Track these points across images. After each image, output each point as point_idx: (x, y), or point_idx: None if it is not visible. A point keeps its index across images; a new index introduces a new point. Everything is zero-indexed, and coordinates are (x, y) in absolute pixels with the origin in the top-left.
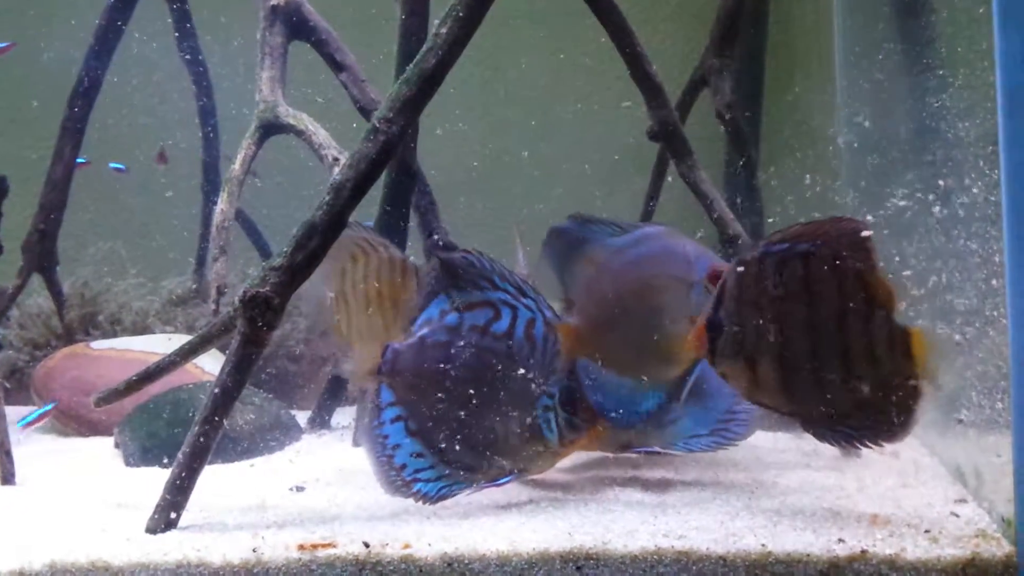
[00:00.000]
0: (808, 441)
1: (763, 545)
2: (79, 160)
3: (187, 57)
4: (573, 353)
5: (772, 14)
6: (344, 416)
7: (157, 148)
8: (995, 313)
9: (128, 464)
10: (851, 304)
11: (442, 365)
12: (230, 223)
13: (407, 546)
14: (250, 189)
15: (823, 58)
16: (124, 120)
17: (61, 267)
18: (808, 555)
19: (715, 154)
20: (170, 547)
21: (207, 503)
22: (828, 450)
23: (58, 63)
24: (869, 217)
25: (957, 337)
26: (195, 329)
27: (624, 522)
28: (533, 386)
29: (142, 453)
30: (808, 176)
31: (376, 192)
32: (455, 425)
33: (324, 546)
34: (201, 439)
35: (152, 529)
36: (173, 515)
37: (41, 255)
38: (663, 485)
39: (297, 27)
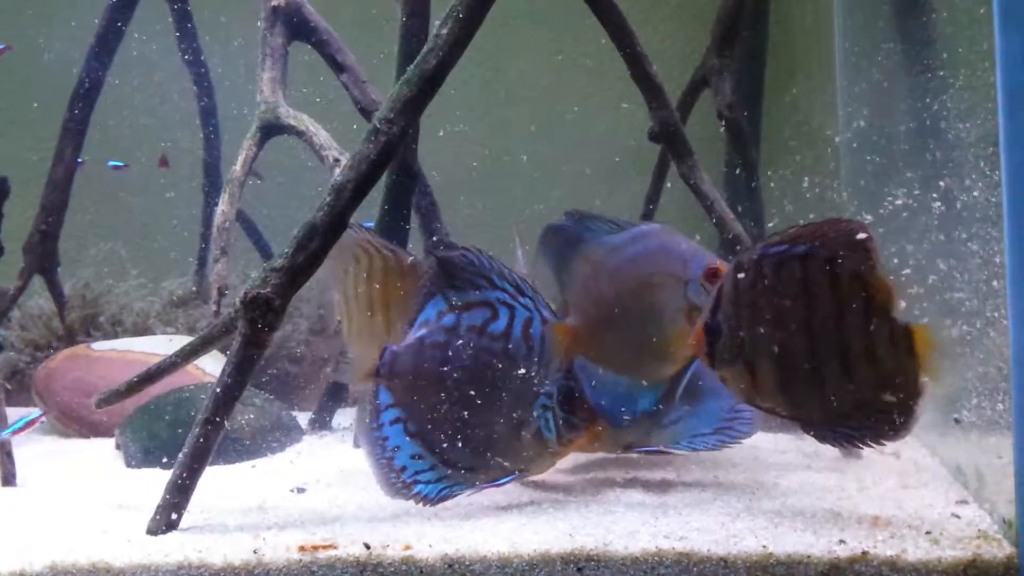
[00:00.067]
0: (809, 442)
1: (764, 546)
2: (78, 160)
3: (188, 58)
4: (570, 352)
5: (772, 14)
6: (345, 417)
7: (158, 155)
8: (996, 314)
9: (129, 465)
10: (850, 305)
11: (440, 366)
12: (231, 224)
13: (408, 547)
14: (251, 190)
15: (823, 58)
16: (125, 121)
17: (62, 268)
18: (809, 556)
19: (715, 155)
20: (171, 548)
21: (208, 504)
22: (829, 451)
23: (59, 64)
24: (868, 217)
25: (955, 333)
26: (196, 330)
27: (625, 523)
28: (531, 386)
29: (143, 454)
30: (808, 176)
31: (377, 193)
32: (454, 426)
33: (325, 547)
34: (202, 440)
35: (153, 530)
36: (174, 516)
37: (42, 256)
38: (664, 486)
39: (298, 28)
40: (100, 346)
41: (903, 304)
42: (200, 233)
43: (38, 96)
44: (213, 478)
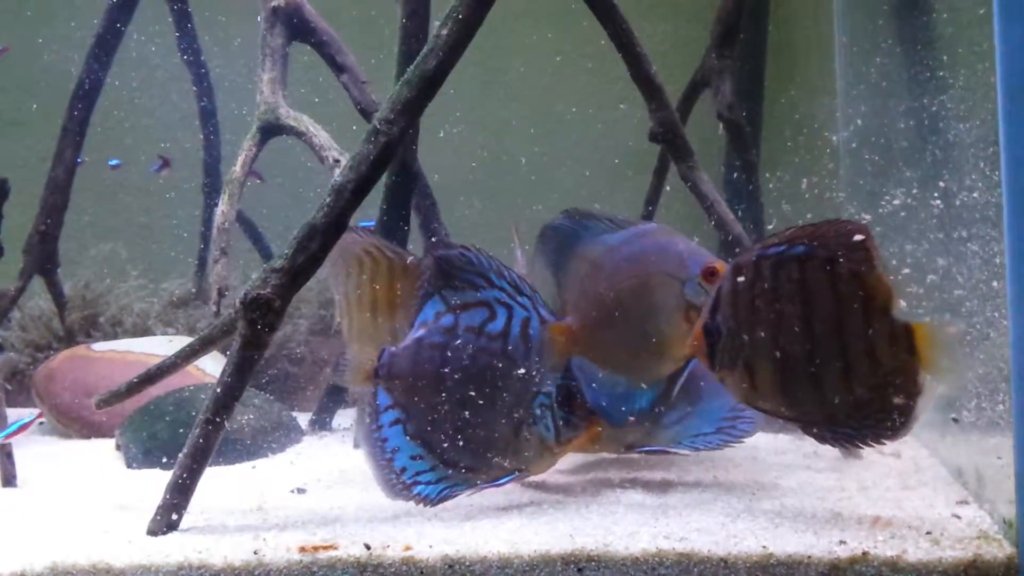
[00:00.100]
0: (809, 442)
1: (764, 547)
2: (78, 160)
3: (188, 58)
4: (567, 352)
5: (772, 14)
6: (345, 418)
7: (159, 161)
8: (996, 315)
9: (129, 466)
10: (849, 305)
11: (438, 367)
12: (231, 225)
13: (408, 548)
14: (251, 191)
15: (823, 58)
16: (126, 121)
17: (62, 269)
18: (809, 557)
19: (715, 155)
20: (171, 549)
21: (208, 505)
22: (829, 451)
23: (59, 65)
24: (867, 216)
25: (952, 330)
26: (196, 331)
27: (625, 524)
28: (530, 385)
29: (143, 455)
30: (808, 177)
31: (377, 193)
32: (453, 426)
33: (325, 548)
34: (202, 441)
35: (153, 531)
36: (174, 517)
37: (42, 257)
38: (664, 487)
39: (298, 29)
40: (100, 347)
41: (903, 303)
42: (200, 234)
43: (38, 97)
44: (213, 478)
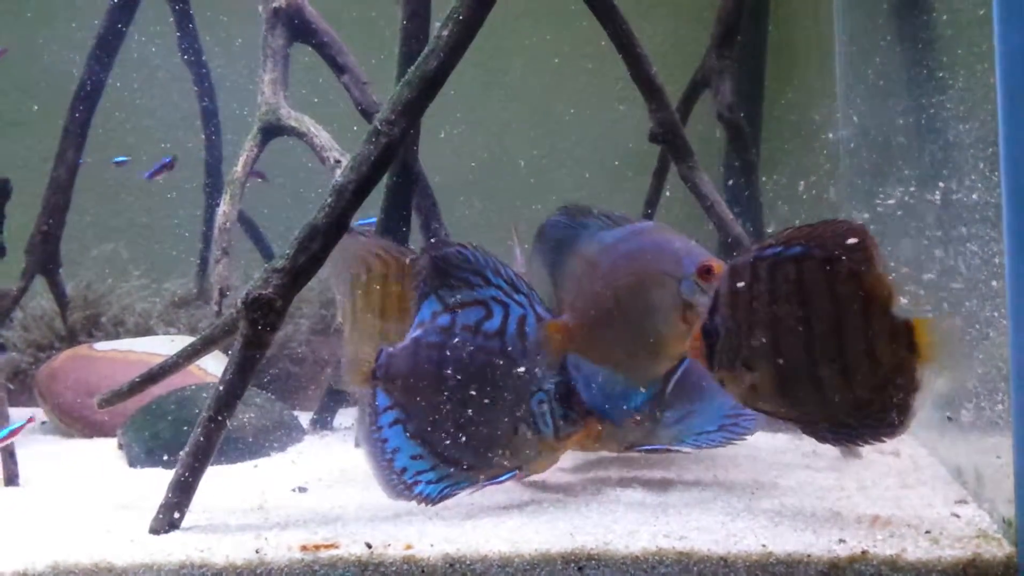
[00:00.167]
0: (808, 442)
1: (764, 546)
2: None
3: (189, 58)
4: (564, 349)
5: (772, 14)
6: (347, 417)
7: (166, 159)
8: (995, 314)
9: (131, 465)
10: (847, 305)
11: (436, 366)
12: (232, 225)
13: (409, 547)
14: (252, 191)
15: (823, 58)
16: (128, 122)
17: (64, 269)
18: (809, 556)
19: (715, 155)
20: (173, 548)
21: (210, 504)
22: (829, 451)
23: (59, 66)
24: (866, 215)
25: (952, 322)
26: (198, 331)
27: (625, 523)
28: (528, 383)
29: (145, 454)
30: (808, 176)
31: (378, 193)
32: (453, 425)
33: (327, 547)
34: (204, 440)
35: (156, 530)
36: (176, 516)
37: (44, 257)
38: (664, 485)
39: (299, 29)
40: (102, 346)
41: (903, 300)
42: (201, 234)
43: (39, 97)
44: (215, 477)
